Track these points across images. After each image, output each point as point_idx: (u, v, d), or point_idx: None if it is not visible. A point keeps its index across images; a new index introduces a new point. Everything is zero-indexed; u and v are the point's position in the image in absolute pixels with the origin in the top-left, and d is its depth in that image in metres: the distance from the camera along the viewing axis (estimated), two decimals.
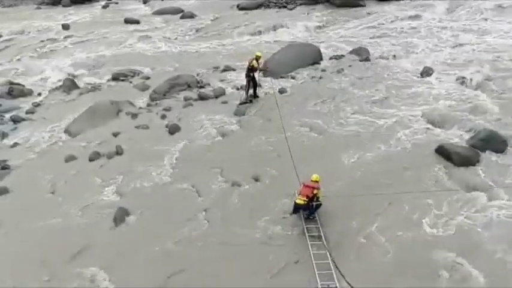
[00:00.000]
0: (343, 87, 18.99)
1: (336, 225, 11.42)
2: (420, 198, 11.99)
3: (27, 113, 19.31)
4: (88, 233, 11.86)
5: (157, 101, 19.11)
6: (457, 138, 14.65)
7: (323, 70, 20.94)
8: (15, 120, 18.65)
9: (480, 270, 9.75)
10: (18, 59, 26.07)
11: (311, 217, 11.52)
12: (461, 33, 24.76)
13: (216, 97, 19.05)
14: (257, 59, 18.04)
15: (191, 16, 32.40)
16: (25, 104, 20.17)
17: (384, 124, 15.83)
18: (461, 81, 18.59)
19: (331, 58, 22.46)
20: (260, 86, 18.84)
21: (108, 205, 12.85)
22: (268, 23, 29.28)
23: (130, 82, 21.69)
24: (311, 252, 10.49)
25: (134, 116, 17.94)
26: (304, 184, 11.64)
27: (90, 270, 10.62)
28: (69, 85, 21.41)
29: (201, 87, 20.17)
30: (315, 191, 11.35)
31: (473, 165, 13.25)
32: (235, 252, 10.85)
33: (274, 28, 28.57)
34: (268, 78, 19.53)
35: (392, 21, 28.26)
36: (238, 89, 19.55)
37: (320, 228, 11.19)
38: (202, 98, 19.02)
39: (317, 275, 9.87)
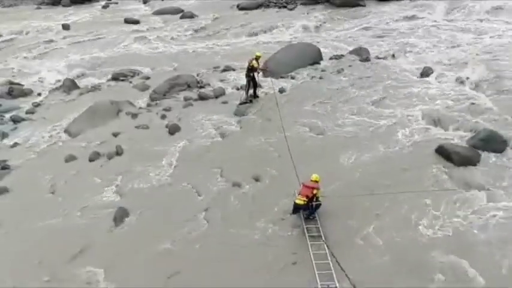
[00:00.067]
0: (343, 87, 18.99)
1: (336, 225, 11.42)
2: (420, 198, 11.99)
3: (27, 113, 19.31)
4: (88, 233, 11.86)
5: (157, 101, 19.12)
6: (457, 138, 14.64)
7: (323, 70, 20.94)
8: (15, 120, 18.65)
9: (478, 271, 9.75)
10: (18, 59, 26.06)
11: (311, 217, 11.53)
12: (461, 33, 24.79)
13: (216, 97, 19.06)
14: (257, 59, 18.05)
15: (191, 16, 32.42)
16: (25, 104, 20.18)
17: (384, 124, 15.83)
18: (461, 81, 18.57)
19: (331, 58, 22.46)
20: (260, 86, 18.85)
21: (108, 205, 12.86)
22: (268, 23, 29.31)
23: (130, 82, 21.70)
24: (311, 252, 10.49)
25: (134, 116, 17.94)
26: (304, 184, 11.63)
27: (90, 270, 10.62)
28: (69, 85, 21.41)
29: (201, 87, 20.18)
30: (315, 191, 11.35)
31: (473, 165, 13.24)
32: (235, 253, 10.86)
33: (274, 28, 28.61)
34: (268, 78, 19.54)
35: (392, 22, 28.28)
36: (238, 89, 19.56)
37: (320, 228, 11.19)
38: (202, 98, 19.03)
39: (317, 275, 9.86)
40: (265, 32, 28.26)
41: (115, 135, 16.66)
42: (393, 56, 22.26)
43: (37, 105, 20.05)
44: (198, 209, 12.40)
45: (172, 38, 28.45)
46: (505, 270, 9.83)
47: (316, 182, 11.53)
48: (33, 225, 12.36)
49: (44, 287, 10.41)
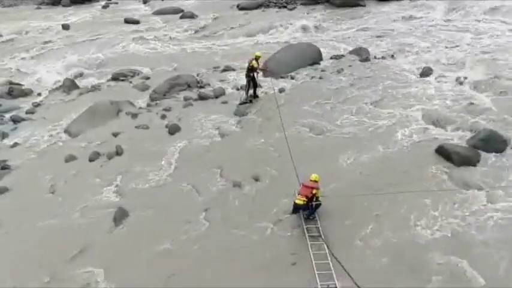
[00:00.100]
0: (342, 87, 19.00)
1: (336, 225, 11.42)
2: (420, 198, 12.00)
3: (27, 113, 19.30)
4: (88, 233, 11.86)
5: (157, 101, 19.12)
6: (457, 138, 14.65)
7: (323, 70, 20.95)
8: (15, 120, 18.64)
9: (477, 272, 9.76)
10: (18, 59, 26.07)
11: (311, 217, 11.53)
12: (460, 33, 24.80)
13: (216, 97, 19.06)
14: (257, 59, 18.05)
15: (191, 16, 32.42)
16: (25, 104, 20.17)
17: (384, 124, 15.83)
18: (461, 81, 18.59)
19: (331, 58, 22.48)
20: (260, 86, 18.86)
21: (108, 205, 12.85)
22: (268, 23, 29.31)
23: (130, 82, 21.69)
24: (311, 253, 10.49)
25: (134, 116, 17.94)
26: (304, 184, 11.64)
27: (90, 270, 10.62)
28: (69, 85, 21.40)
29: (201, 87, 20.18)
30: (314, 191, 11.35)
31: (473, 165, 13.25)
32: (235, 253, 10.86)
33: (274, 28, 28.60)
34: (268, 78, 19.55)
35: (392, 22, 28.30)
36: (238, 89, 19.56)
37: (320, 228, 11.19)
38: (202, 98, 19.03)
39: (317, 275, 9.87)
40: (265, 32, 28.26)
41: (115, 135, 16.66)
42: (393, 56, 22.28)
43: (37, 105, 20.04)
44: (198, 209, 12.40)
45: (172, 38, 28.44)
46: (504, 271, 9.83)
47: (316, 181, 11.54)
48: (33, 225, 12.35)
49: (44, 287, 10.41)
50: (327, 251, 10.48)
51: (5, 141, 17.19)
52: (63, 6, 37.97)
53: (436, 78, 19.22)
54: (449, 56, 21.60)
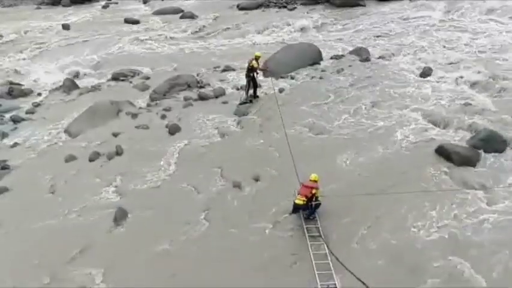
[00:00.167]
0: (342, 87, 19.00)
1: (336, 225, 11.43)
2: (420, 199, 12.01)
3: (27, 113, 19.29)
4: (88, 233, 11.85)
5: (157, 101, 19.11)
6: (457, 138, 14.66)
7: (323, 70, 20.94)
8: (15, 120, 18.63)
9: (477, 273, 9.78)
10: (18, 59, 26.03)
11: (311, 217, 11.53)
12: (460, 33, 24.76)
13: (216, 97, 19.06)
14: (257, 59, 18.06)
15: (191, 16, 32.38)
16: (25, 104, 20.14)
17: (384, 124, 15.84)
18: (461, 81, 18.60)
19: (331, 58, 22.46)
20: (260, 86, 18.85)
21: (108, 205, 12.84)
22: (268, 23, 29.29)
23: (130, 82, 21.67)
24: (311, 253, 10.50)
25: (134, 116, 17.93)
26: (303, 184, 11.65)
27: (90, 271, 10.61)
28: (69, 85, 21.38)
29: (201, 87, 20.17)
30: (314, 191, 11.36)
31: (474, 165, 13.28)
32: (235, 253, 10.86)
33: (274, 28, 28.59)
34: (268, 78, 19.54)
35: (392, 22, 28.24)
36: (238, 89, 19.56)
37: (320, 228, 11.19)
38: (202, 98, 19.02)
39: (317, 275, 9.88)
40: (265, 32, 28.23)
41: (115, 135, 16.64)
42: (393, 56, 22.26)
43: (37, 105, 20.03)
44: (198, 209, 12.40)
45: (172, 38, 28.40)
46: (502, 272, 9.84)
47: (315, 181, 11.54)
48: (33, 225, 12.35)
49: (43, 287, 10.40)
50: (326, 250, 10.49)
51: (5, 141, 17.18)
52: (63, 6, 37.90)
53: (436, 78, 19.22)
54: (449, 56, 21.60)
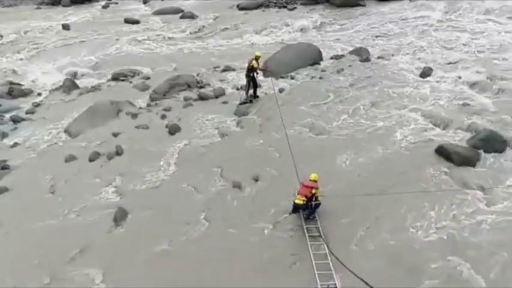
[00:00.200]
0: (342, 87, 19.00)
1: (336, 225, 11.44)
2: (420, 199, 12.02)
3: (27, 113, 19.29)
4: (88, 233, 11.86)
5: (157, 101, 19.11)
6: (457, 138, 14.66)
7: (323, 70, 20.95)
8: (15, 120, 18.63)
9: (476, 274, 9.79)
10: (18, 59, 26.02)
11: (311, 217, 11.54)
12: (460, 33, 24.79)
13: (216, 97, 19.06)
14: (257, 59, 18.06)
15: (191, 16, 32.38)
16: (25, 104, 20.14)
17: (383, 124, 15.85)
18: (461, 81, 18.61)
19: (331, 58, 22.47)
20: (260, 86, 18.85)
21: (108, 205, 12.85)
22: (268, 23, 29.29)
23: (130, 82, 21.67)
24: (311, 253, 10.50)
25: (134, 116, 17.94)
26: (303, 184, 11.66)
27: (90, 271, 10.62)
28: (69, 85, 21.38)
29: (201, 87, 20.17)
30: (313, 191, 11.37)
31: (473, 165, 13.28)
32: (235, 253, 10.87)
33: (274, 28, 28.59)
34: (268, 78, 19.55)
35: (392, 22, 28.24)
36: (238, 89, 19.56)
37: (320, 228, 11.20)
38: (202, 98, 19.02)
39: (317, 275, 9.88)
40: (265, 32, 28.24)
41: (115, 135, 16.65)
42: (393, 56, 22.26)
43: (37, 105, 20.03)
44: (198, 209, 12.40)
45: (172, 38, 28.39)
46: (501, 273, 9.85)
47: (315, 181, 11.55)
48: (33, 225, 12.35)
49: (43, 287, 10.40)
50: (326, 250, 10.50)
51: (5, 141, 17.18)
52: (63, 6, 37.88)
53: (436, 78, 19.23)
54: (449, 56, 21.62)
